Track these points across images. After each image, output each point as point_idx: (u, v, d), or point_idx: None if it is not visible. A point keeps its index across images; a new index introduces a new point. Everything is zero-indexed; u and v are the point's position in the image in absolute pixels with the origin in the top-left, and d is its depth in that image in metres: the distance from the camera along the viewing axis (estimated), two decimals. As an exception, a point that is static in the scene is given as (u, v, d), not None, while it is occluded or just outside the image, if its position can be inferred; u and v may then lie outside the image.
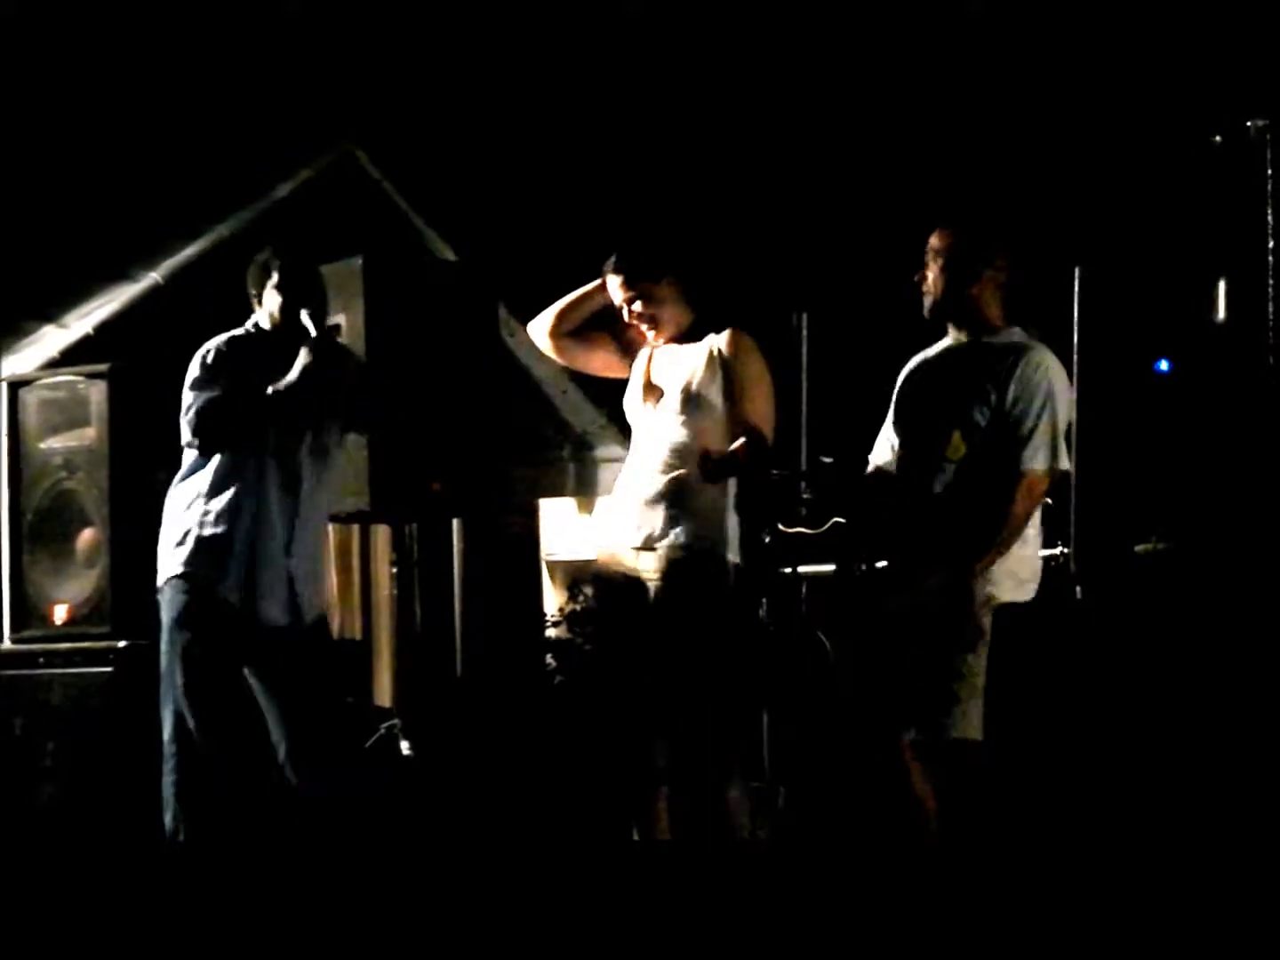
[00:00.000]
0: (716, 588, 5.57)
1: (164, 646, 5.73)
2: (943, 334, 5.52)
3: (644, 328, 5.76)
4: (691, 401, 5.65)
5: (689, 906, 4.88)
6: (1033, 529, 5.41)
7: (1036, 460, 5.31)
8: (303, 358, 5.72)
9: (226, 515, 5.70)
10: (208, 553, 5.69)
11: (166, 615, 5.73)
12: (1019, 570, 5.36)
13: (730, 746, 5.62)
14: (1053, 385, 5.34)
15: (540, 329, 5.92)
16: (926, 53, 7.29)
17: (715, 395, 5.65)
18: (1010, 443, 5.31)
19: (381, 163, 8.21)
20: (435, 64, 7.87)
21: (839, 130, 7.48)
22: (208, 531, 5.69)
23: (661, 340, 5.76)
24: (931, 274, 5.45)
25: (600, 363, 5.95)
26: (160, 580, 5.76)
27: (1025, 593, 5.38)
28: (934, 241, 5.47)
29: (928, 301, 5.47)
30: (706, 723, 5.52)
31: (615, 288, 5.74)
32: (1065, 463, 5.36)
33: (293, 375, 5.71)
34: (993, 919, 4.74)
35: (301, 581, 5.78)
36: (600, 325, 5.92)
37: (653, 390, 5.75)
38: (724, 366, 5.64)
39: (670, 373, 5.73)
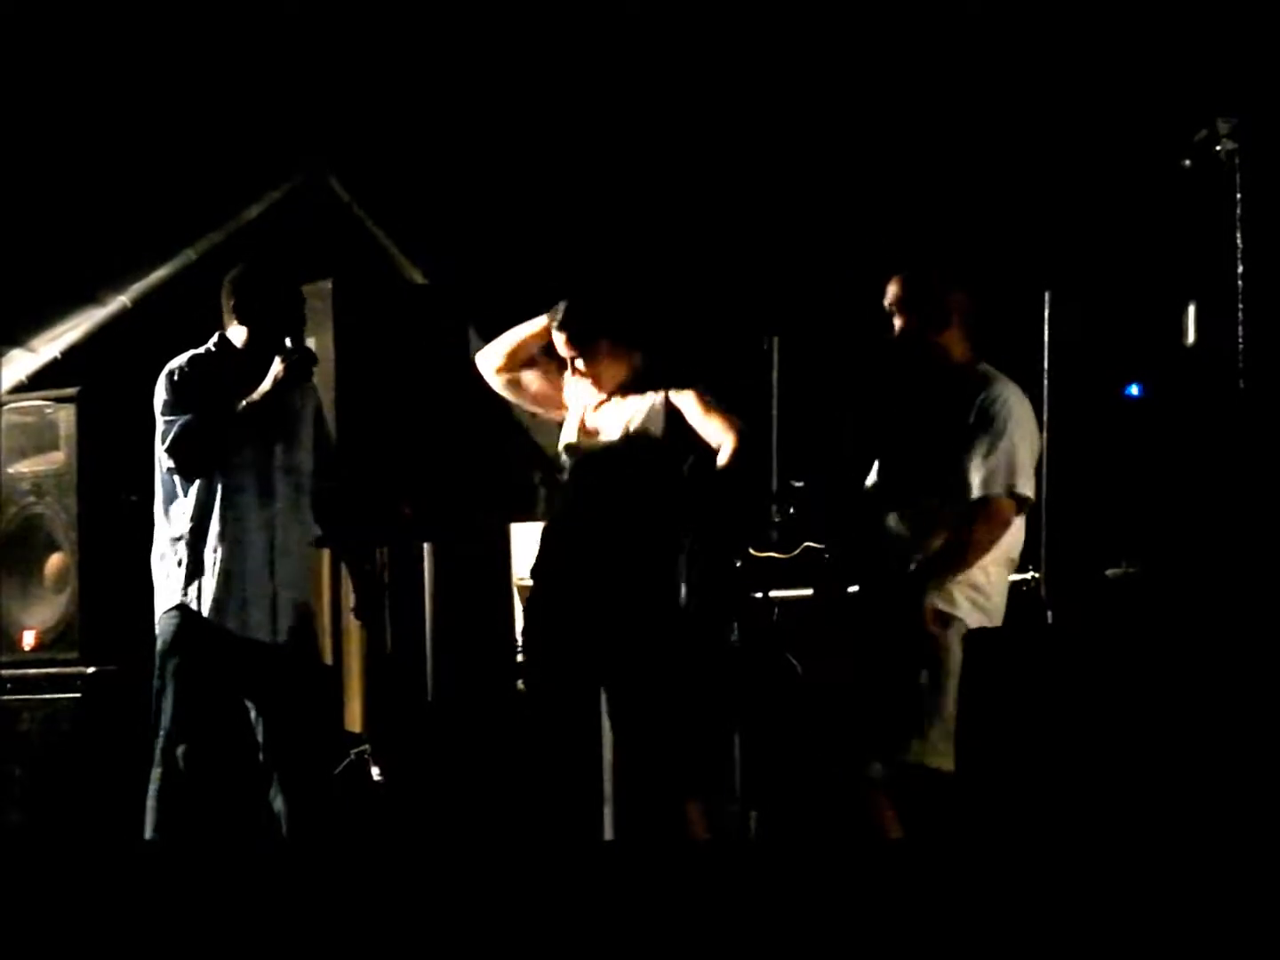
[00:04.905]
0: (661, 611, 5.55)
1: (157, 672, 5.69)
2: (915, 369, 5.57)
3: (588, 382, 5.77)
4: (631, 437, 5.63)
5: (656, 926, 4.88)
6: (1000, 558, 5.43)
7: (993, 485, 5.36)
8: (276, 367, 5.69)
9: (216, 539, 5.68)
10: (204, 581, 5.66)
11: (161, 642, 5.70)
12: (984, 600, 5.38)
13: (691, 764, 5.62)
14: (1011, 415, 5.41)
15: (489, 364, 5.94)
16: (895, 79, 7.31)
17: (656, 430, 5.62)
18: (971, 470, 5.37)
19: (351, 185, 8.19)
20: (405, 86, 7.86)
21: (808, 154, 7.50)
22: (203, 559, 5.67)
23: (603, 394, 5.76)
24: (898, 324, 5.49)
25: (542, 395, 5.95)
26: (159, 611, 5.73)
27: (992, 621, 5.40)
28: (893, 290, 5.50)
29: (897, 348, 5.51)
30: (660, 745, 5.52)
31: (560, 344, 5.76)
32: (1025, 489, 5.39)
33: (265, 385, 5.69)
34: (963, 950, 4.73)
35: (282, 601, 5.76)
36: (542, 354, 5.94)
37: (589, 432, 5.77)
38: (666, 407, 5.61)
39: (608, 416, 5.73)
